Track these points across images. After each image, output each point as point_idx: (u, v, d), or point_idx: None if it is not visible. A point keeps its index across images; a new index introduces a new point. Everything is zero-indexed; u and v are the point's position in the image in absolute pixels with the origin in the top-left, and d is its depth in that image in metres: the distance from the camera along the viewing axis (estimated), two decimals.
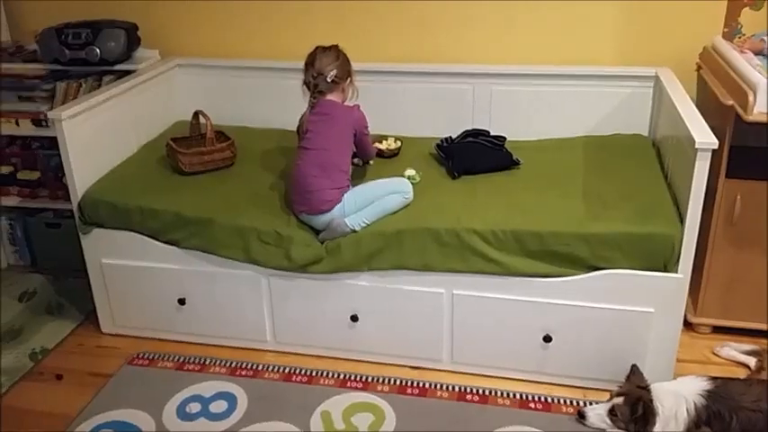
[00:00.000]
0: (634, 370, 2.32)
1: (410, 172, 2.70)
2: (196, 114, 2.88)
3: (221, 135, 2.92)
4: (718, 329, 2.73)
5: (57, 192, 3.32)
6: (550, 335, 2.43)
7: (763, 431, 2.12)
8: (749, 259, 2.60)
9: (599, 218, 2.36)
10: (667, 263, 2.28)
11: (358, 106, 2.57)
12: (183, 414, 2.41)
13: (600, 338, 2.40)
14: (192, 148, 2.81)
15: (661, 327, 2.35)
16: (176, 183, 2.75)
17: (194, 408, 2.44)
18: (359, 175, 2.71)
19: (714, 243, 2.60)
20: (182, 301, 2.69)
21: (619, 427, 2.24)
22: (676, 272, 2.29)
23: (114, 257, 2.72)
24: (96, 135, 2.76)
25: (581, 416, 2.32)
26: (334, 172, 2.49)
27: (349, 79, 2.57)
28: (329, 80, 2.49)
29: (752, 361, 2.54)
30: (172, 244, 2.63)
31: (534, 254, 2.36)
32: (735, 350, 2.62)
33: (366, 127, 2.60)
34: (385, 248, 2.44)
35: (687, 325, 2.73)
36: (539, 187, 2.59)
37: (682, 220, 2.28)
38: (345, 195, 2.48)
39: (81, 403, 2.48)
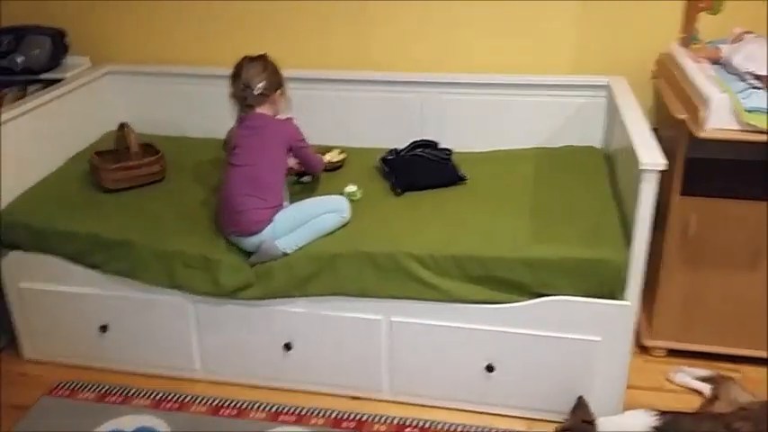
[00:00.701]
0: (580, 403, 2.18)
1: (351, 188, 2.53)
2: (121, 126, 2.69)
3: (150, 148, 2.74)
4: (673, 352, 2.60)
5: None
6: (493, 364, 2.29)
7: None
8: (705, 279, 2.46)
9: (544, 240, 2.21)
10: (614, 289, 2.14)
11: (291, 119, 2.41)
12: None
13: (545, 367, 2.26)
14: (118, 163, 2.63)
15: (609, 355, 2.21)
16: (99, 201, 2.57)
17: None
18: (300, 191, 2.55)
19: (668, 263, 2.46)
20: (104, 328, 2.52)
21: None
22: (623, 299, 2.15)
23: (33, 281, 2.54)
24: (18, 150, 2.58)
25: None
26: (264, 190, 2.32)
27: (279, 90, 2.39)
28: (257, 93, 2.32)
29: (706, 388, 2.41)
30: (93, 267, 2.46)
31: (476, 279, 2.21)
32: (689, 376, 2.48)
33: (301, 140, 2.43)
34: (319, 273, 2.29)
35: (641, 348, 2.60)
36: (484, 205, 2.44)
37: (629, 243, 2.14)
38: (277, 215, 2.32)
39: None
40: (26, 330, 2.65)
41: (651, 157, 1.99)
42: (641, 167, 1.96)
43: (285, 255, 2.29)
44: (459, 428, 2.31)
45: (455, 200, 2.50)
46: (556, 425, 2.20)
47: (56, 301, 2.53)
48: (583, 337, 2.19)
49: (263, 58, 2.36)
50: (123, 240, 2.38)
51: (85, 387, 2.53)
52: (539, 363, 2.26)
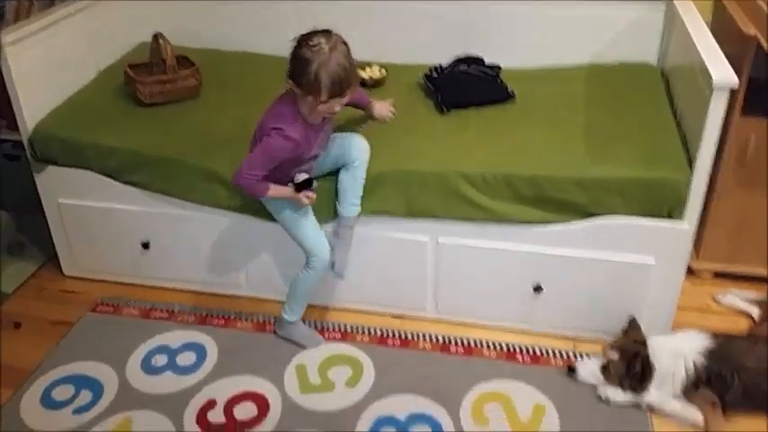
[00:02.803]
0: (632, 323, 2.17)
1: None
2: (156, 37, 2.58)
3: (185, 60, 2.64)
4: (720, 275, 2.57)
5: (14, 121, 3.05)
6: (541, 285, 2.26)
7: (766, 392, 1.99)
8: (759, 202, 2.40)
9: (600, 160, 2.14)
10: (672, 210, 2.09)
11: (282, 130, 1.94)
12: (147, 367, 2.27)
13: (594, 289, 2.23)
14: (152, 76, 2.53)
15: (662, 278, 2.17)
16: (135, 115, 2.50)
17: (160, 360, 2.29)
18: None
19: (722, 185, 2.39)
20: (145, 245, 2.50)
21: (611, 383, 2.11)
22: (681, 219, 2.09)
23: (71, 197, 2.50)
24: (48, 61, 2.49)
25: (571, 370, 2.18)
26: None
27: (300, 90, 1.89)
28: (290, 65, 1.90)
29: (755, 310, 2.39)
30: (133, 185, 2.41)
31: (527, 200, 2.16)
32: (738, 298, 2.46)
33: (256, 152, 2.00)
34: (366, 192, 2.23)
35: (688, 270, 2.55)
36: (535, 124, 2.36)
37: (691, 163, 2.07)
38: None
39: (39, 355, 2.33)
40: (66, 247, 2.63)
41: (723, 74, 1.89)
42: (714, 84, 1.86)
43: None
44: (504, 347, 2.31)
45: (504, 118, 2.41)
46: (602, 344, 2.20)
47: (96, 217, 2.50)
48: (636, 259, 2.15)
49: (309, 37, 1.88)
50: (165, 158, 2.32)
51: (129, 304, 2.54)
52: (588, 284, 2.23)
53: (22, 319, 2.50)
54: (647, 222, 2.10)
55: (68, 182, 2.47)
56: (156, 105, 2.54)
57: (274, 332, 2.35)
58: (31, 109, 2.44)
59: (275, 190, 2.05)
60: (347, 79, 1.87)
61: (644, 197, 2.07)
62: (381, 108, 2.29)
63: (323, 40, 1.85)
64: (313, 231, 2.18)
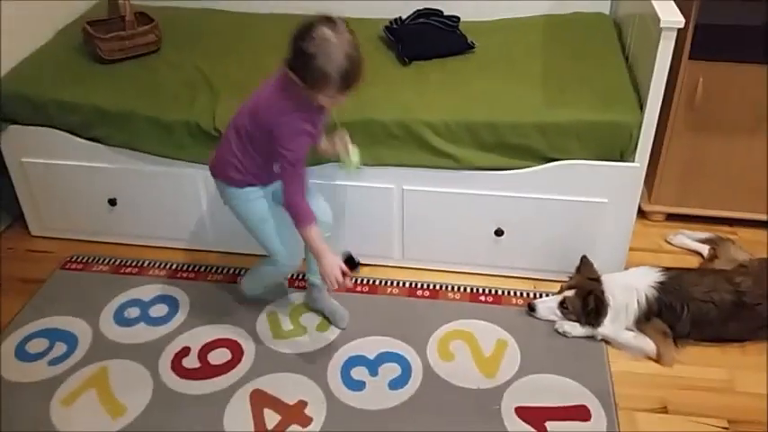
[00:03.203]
0: (584, 261, 2.27)
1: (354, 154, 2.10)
2: None
3: (143, 17, 2.62)
4: (671, 217, 2.69)
5: None
6: (502, 228, 2.35)
7: (713, 322, 2.12)
8: (708, 145, 2.51)
9: (556, 105, 2.22)
10: (624, 151, 2.18)
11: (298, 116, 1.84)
12: (120, 319, 2.30)
13: (552, 230, 2.33)
14: (112, 33, 2.52)
15: (615, 217, 2.28)
16: (96, 72, 2.49)
17: (133, 313, 2.33)
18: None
19: (673, 128, 2.50)
20: (112, 202, 2.51)
21: (569, 320, 2.22)
22: (633, 161, 2.19)
23: (35, 156, 2.49)
24: (5, 21, 2.45)
25: (531, 308, 2.29)
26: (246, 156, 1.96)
27: (305, 85, 1.78)
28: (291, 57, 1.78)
29: (704, 249, 2.52)
30: (96, 140, 2.41)
31: (488, 146, 2.23)
32: (688, 238, 2.59)
33: (286, 149, 1.85)
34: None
35: (640, 213, 2.66)
36: (494, 73, 2.42)
37: (641, 106, 2.16)
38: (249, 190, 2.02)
39: (12, 311, 2.34)
40: (32, 206, 2.63)
41: (670, 16, 1.97)
42: (661, 25, 1.94)
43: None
44: (468, 289, 2.41)
45: (464, 68, 2.47)
46: (561, 284, 2.31)
47: (61, 175, 2.50)
48: (591, 200, 2.25)
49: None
50: (125, 112, 2.33)
51: (99, 260, 2.56)
52: (546, 226, 2.32)
53: None
54: (601, 164, 2.20)
55: (31, 140, 2.46)
56: (116, 62, 2.53)
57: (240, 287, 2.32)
58: None
59: (316, 234, 1.94)
60: (356, 72, 1.76)
61: (598, 139, 2.16)
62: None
63: (327, 31, 1.71)
64: (279, 233, 2.04)
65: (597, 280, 2.21)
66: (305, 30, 1.73)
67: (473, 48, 2.55)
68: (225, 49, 2.65)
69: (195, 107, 2.32)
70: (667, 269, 2.20)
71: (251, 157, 1.95)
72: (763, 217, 2.60)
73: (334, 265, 1.94)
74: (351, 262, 2.02)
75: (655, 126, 2.14)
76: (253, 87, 2.37)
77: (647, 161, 2.19)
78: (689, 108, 2.45)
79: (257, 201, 2.03)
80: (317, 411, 1.98)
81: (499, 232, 2.36)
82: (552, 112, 2.19)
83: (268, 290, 2.33)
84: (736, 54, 2.35)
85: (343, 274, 1.95)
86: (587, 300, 2.15)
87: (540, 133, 2.18)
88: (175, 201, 2.47)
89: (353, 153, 2.07)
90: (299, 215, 1.93)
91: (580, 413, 1.97)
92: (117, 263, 2.54)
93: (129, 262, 2.54)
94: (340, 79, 1.74)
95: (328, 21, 1.74)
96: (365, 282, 2.44)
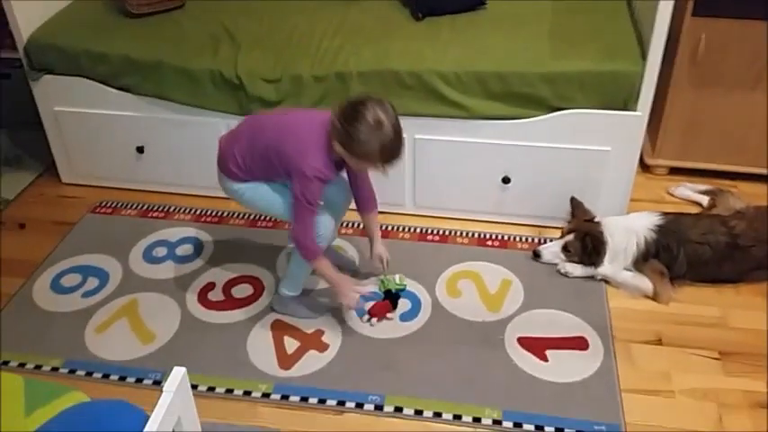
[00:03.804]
0: (574, 203, 2.39)
1: (397, 279, 2.28)
2: None
3: None
4: (674, 171, 2.79)
5: (3, 41, 3.15)
6: (509, 176, 2.47)
7: (708, 263, 2.23)
8: (710, 100, 2.61)
9: (562, 57, 2.32)
10: (627, 101, 2.29)
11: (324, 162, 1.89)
12: (149, 257, 2.45)
13: (557, 178, 2.44)
14: None
15: (617, 165, 2.39)
16: (125, 25, 2.62)
17: (160, 252, 2.48)
18: None
19: (676, 84, 2.59)
20: (140, 150, 2.65)
21: (573, 262, 2.34)
22: (635, 110, 2.29)
23: (67, 105, 2.63)
24: None
25: (536, 255, 2.40)
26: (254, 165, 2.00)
27: (350, 155, 1.87)
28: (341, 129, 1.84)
29: (704, 199, 2.62)
30: (125, 90, 2.55)
31: (496, 95, 2.34)
32: (689, 190, 2.69)
33: (302, 189, 1.89)
34: (347, 89, 2.39)
35: (644, 167, 2.78)
36: (504, 28, 2.52)
37: (644, 59, 2.26)
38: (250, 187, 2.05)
39: (46, 250, 2.50)
40: (63, 155, 2.78)
41: None
42: None
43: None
44: (476, 235, 2.53)
45: (475, 24, 2.57)
46: (561, 229, 2.42)
47: (91, 123, 2.64)
48: (594, 148, 2.36)
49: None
50: (153, 61, 2.46)
51: (127, 205, 2.71)
52: (551, 173, 2.44)
53: (24, 221, 2.67)
54: (604, 112, 2.30)
55: (63, 90, 2.60)
56: (143, 16, 2.66)
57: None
58: (25, 21, 2.55)
59: (326, 266, 2.02)
60: (397, 154, 1.86)
61: (601, 89, 2.27)
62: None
63: (379, 112, 1.79)
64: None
65: (592, 220, 2.33)
66: (354, 109, 1.81)
67: (484, 4, 2.65)
68: (246, 6, 2.76)
69: (218, 57, 2.45)
70: (666, 214, 2.31)
71: (254, 163, 1.98)
72: (762, 171, 2.69)
73: (350, 296, 2.05)
74: (392, 298, 2.18)
75: (656, 76, 2.24)
76: (272, 41, 2.52)
77: (648, 110, 2.29)
78: (692, 64, 2.54)
79: (257, 188, 2.03)
80: (333, 339, 2.13)
81: (506, 180, 2.47)
82: (558, 62, 2.30)
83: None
84: (736, 11, 2.44)
85: (372, 314, 2.15)
86: (585, 241, 2.27)
87: (545, 83, 2.29)
88: (200, 149, 2.59)
89: (398, 277, 2.24)
90: (306, 254, 2.00)
91: (579, 343, 2.10)
92: (144, 207, 2.69)
93: (156, 207, 2.69)
94: (381, 158, 1.85)
95: (379, 103, 1.82)
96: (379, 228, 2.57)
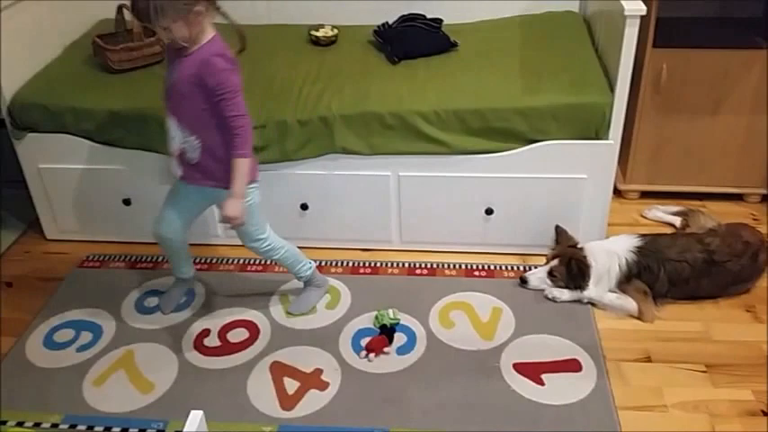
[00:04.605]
0: (559, 230, 2.48)
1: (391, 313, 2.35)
2: (120, 9, 2.75)
3: (148, 30, 2.80)
4: (645, 194, 2.92)
5: None
6: (492, 207, 2.55)
7: (688, 280, 2.33)
8: (674, 126, 2.75)
9: (535, 92, 2.44)
10: (599, 130, 2.40)
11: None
12: (141, 308, 2.46)
13: (537, 207, 2.54)
14: (120, 44, 2.70)
15: (594, 191, 2.49)
16: (107, 81, 2.66)
17: (152, 302, 2.48)
18: None
19: (642, 112, 2.73)
20: (126, 202, 2.68)
21: (559, 286, 2.42)
22: (607, 138, 2.41)
23: (52, 162, 2.65)
24: (17, 36, 2.62)
25: (523, 281, 2.48)
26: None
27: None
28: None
29: (677, 220, 2.74)
30: (110, 144, 2.59)
31: (475, 131, 2.44)
32: (661, 212, 2.81)
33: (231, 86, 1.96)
34: (331, 132, 2.46)
35: (617, 192, 2.90)
36: (477, 67, 2.64)
37: (612, 89, 2.39)
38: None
39: (36, 307, 2.49)
40: (48, 211, 2.78)
41: (633, 5, 2.21)
42: (626, 14, 2.18)
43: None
44: (463, 266, 2.60)
45: (449, 64, 2.69)
46: (546, 256, 2.51)
47: (76, 179, 2.66)
48: (571, 176, 2.47)
49: None
50: (137, 114, 2.50)
51: (115, 257, 2.71)
52: (532, 203, 2.53)
53: (11, 279, 2.65)
54: (578, 143, 2.42)
55: (48, 147, 2.62)
56: (125, 71, 2.71)
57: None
58: (8, 81, 2.57)
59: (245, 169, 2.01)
60: None
61: (574, 120, 2.38)
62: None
63: None
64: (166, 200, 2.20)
65: (576, 246, 2.42)
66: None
67: (456, 46, 2.78)
68: None
69: None
70: (644, 235, 2.42)
71: (208, 132, 2.02)
72: (728, 190, 2.83)
73: (241, 209, 2.03)
74: (388, 333, 2.26)
75: (625, 105, 2.36)
76: (254, 88, 2.59)
77: (619, 138, 2.42)
78: (655, 92, 2.69)
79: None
80: (332, 377, 2.15)
81: (489, 211, 2.56)
82: (531, 97, 2.41)
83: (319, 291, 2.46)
84: (693, 41, 2.61)
85: (369, 349, 2.22)
86: (570, 265, 2.36)
87: (521, 117, 2.40)
88: None
89: (392, 312, 2.33)
90: (247, 147, 1.98)
91: (572, 365, 2.16)
92: (132, 259, 2.70)
93: (145, 257, 2.70)
94: None
95: None
96: (366, 264, 2.63)
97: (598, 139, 2.42)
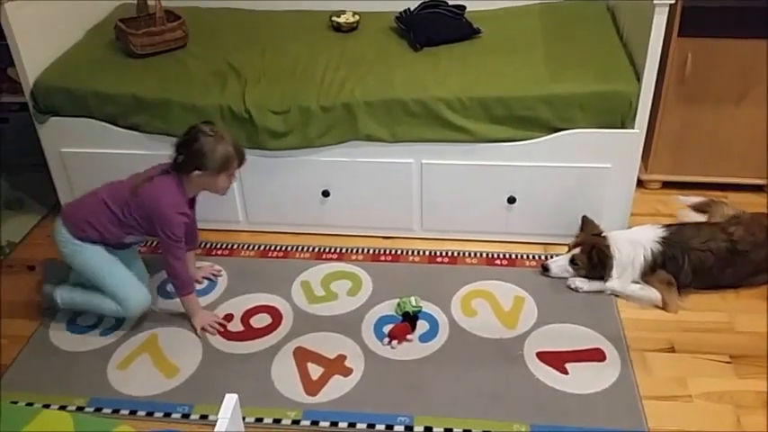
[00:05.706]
0: (585, 220, 2.47)
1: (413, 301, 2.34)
2: None
3: (171, 14, 2.80)
4: (667, 184, 2.90)
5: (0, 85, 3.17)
6: (514, 196, 2.54)
7: (712, 269, 2.33)
8: (698, 116, 2.73)
9: (560, 80, 2.42)
10: (624, 119, 2.39)
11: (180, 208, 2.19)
12: (164, 293, 2.47)
13: (560, 196, 2.53)
14: (143, 29, 2.70)
15: (617, 181, 2.48)
16: (129, 65, 2.66)
17: None
18: None
19: (666, 102, 2.71)
20: None
21: (580, 275, 2.42)
22: (633, 127, 2.40)
23: (74, 146, 2.66)
24: (40, 20, 2.62)
25: (545, 269, 2.47)
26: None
27: (200, 171, 2.15)
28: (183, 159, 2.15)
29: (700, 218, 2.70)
30: (132, 128, 2.59)
31: (499, 119, 2.43)
32: (684, 202, 2.79)
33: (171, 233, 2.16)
34: (356, 118, 2.45)
35: (638, 182, 2.86)
36: (500, 55, 2.62)
37: (638, 78, 2.37)
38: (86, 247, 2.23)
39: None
40: (69, 195, 2.77)
41: None
42: (655, 2, 2.16)
43: (56, 303, 2.33)
44: (484, 254, 2.59)
45: (473, 52, 2.67)
46: (568, 244, 2.50)
47: (98, 163, 2.66)
48: (595, 165, 2.45)
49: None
50: (161, 99, 2.51)
51: None
52: (555, 192, 2.52)
53: (33, 263, 2.66)
54: (603, 131, 2.40)
55: (70, 131, 2.62)
56: (147, 56, 2.71)
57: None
58: (31, 64, 2.57)
59: (195, 300, 2.30)
60: (240, 153, 2.17)
61: (600, 109, 2.37)
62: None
63: (205, 126, 2.13)
64: (125, 276, 2.25)
65: (599, 235, 2.41)
66: (189, 136, 2.13)
67: (479, 33, 2.76)
68: (246, 42, 2.83)
69: (226, 92, 2.50)
70: (668, 225, 2.40)
71: (115, 225, 2.20)
72: (750, 181, 2.82)
73: (206, 318, 2.29)
74: (411, 320, 2.26)
75: (651, 94, 2.34)
76: (277, 74, 2.59)
77: (645, 127, 2.40)
78: (680, 82, 2.67)
79: (99, 254, 2.23)
80: (356, 363, 2.16)
81: (511, 200, 2.55)
82: (556, 85, 2.39)
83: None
84: (720, 31, 2.58)
85: (392, 336, 2.22)
86: (591, 254, 2.35)
87: (546, 105, 2.38)
88: None
89: (414, 299, 2.33)
90: (183, 285, 2.24)
91: (596, 355, 2.16)
92: (155, 244, 2.70)
93: None
94: (238, 156, 2.15)
95: (200, 123, 2.16)
96: (387, 252, 2.62)
97: (623, 128, 2.40)
